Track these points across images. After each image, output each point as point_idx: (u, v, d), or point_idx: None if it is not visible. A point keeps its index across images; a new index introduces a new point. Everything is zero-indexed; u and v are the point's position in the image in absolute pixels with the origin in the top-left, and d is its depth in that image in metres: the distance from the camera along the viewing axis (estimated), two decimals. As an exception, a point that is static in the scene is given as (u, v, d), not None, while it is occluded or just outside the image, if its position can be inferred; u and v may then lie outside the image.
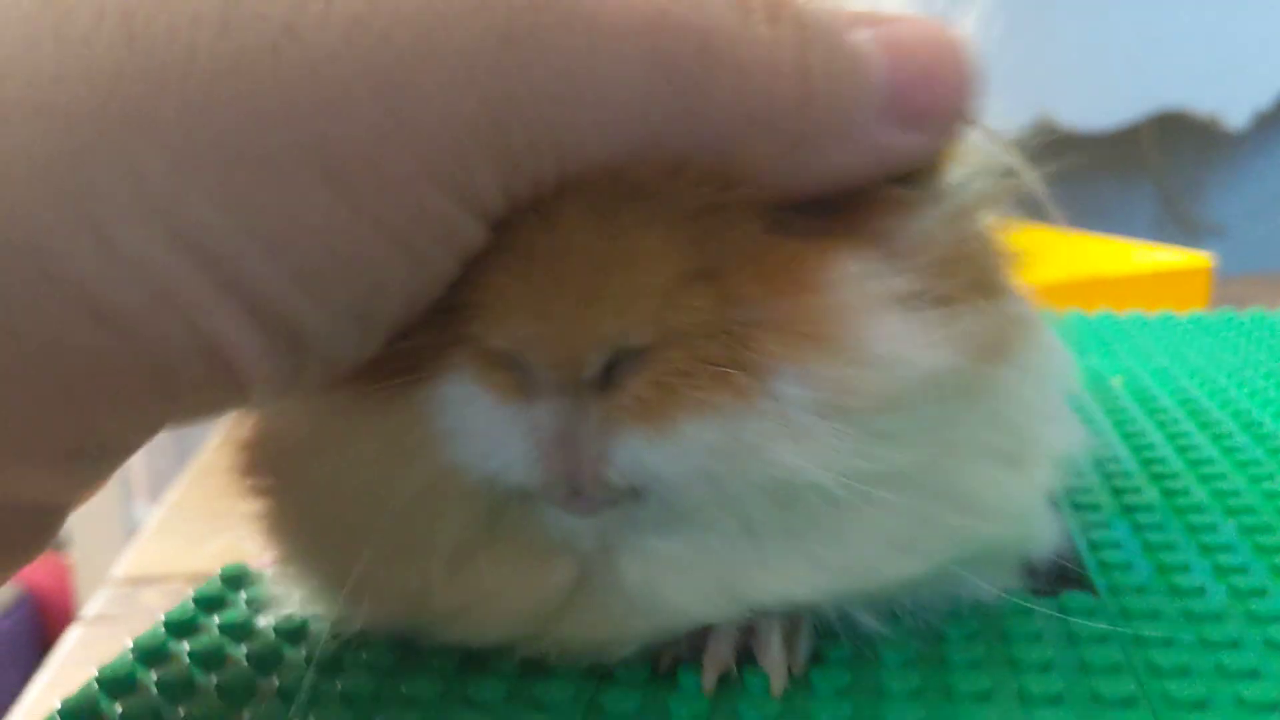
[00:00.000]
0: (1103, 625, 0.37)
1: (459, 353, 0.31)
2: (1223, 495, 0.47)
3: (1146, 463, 0.50)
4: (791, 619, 0.35)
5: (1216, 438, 0.53)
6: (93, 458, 0.28)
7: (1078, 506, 0.46)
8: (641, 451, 0.30)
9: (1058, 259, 1.12)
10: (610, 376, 0.29)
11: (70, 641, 0.71)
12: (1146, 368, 0.64)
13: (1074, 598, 0.39)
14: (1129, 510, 0.46)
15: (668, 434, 0.30)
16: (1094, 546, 0.43)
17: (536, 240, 0.29)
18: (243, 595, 0.41)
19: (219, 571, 0.42)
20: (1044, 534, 0.39)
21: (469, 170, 0.28)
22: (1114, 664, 0.35)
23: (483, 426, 0.30)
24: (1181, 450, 0.52)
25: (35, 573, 1.84)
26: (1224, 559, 0.41)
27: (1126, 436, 0.54)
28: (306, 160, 0.26)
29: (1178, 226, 2.02)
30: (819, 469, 0.30)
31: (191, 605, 0.40)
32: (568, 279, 0.29)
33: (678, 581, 0.32)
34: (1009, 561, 0.39)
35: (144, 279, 0.26)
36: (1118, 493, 0.47)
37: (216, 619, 0.39)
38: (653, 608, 0.33)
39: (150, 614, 0.47)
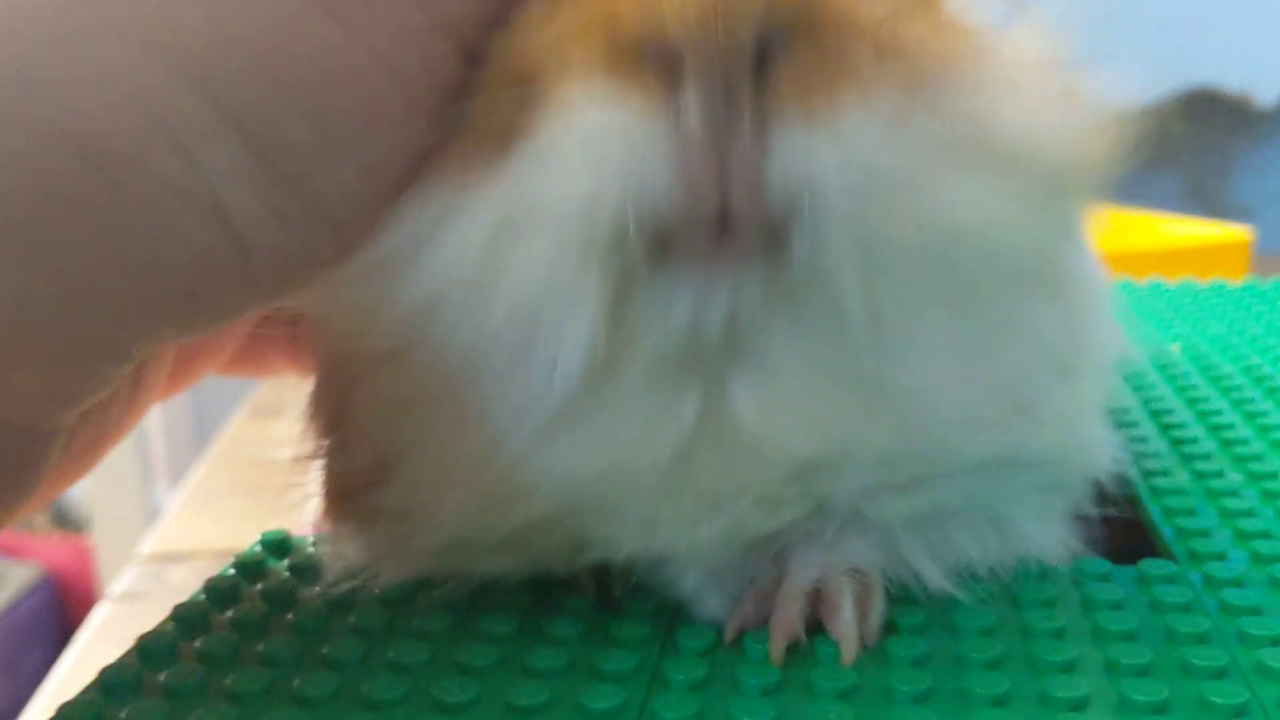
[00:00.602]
0: (1188, 593, 0.35)
1: (576, 54, 0.27)
2: (1296, 462, 0.45)
3: (1214, 429, 0.49)
4: (863, 581, 0.34)
5: (1283, 404, 0.52)
6: (84, 360, 0.26)
7: (1148, 473, 0.44)
8: (804, 142, 0.26)
9: (1090, 233, 1.10)
10: (761, 62, 0.26)
11: (97, 620, 0.70)
12: (1204, 335, 0.62)
13: (1154, 564, 0.37)
14: (1201, 477, 0.44)
15: (833, 119, 0.26)
16: (1169, 514, 0.41)
17: None
18: (285, 563, 0.39)
19: (259, 538, 0.41)
20: (1099, 448, 0.37)
21: None
22: (1203, 633, 0.33)
23: (619, 137, 0.26)
24: (1250, 417, 0.50)
25: (56, 555, 1.84)
26: (1307, 526, 0.39)
27: (1190, 403, 0.52)
28: None
29: (1205, 206, 2.00)
30: (977, 212, 0.28)
31: (232, 572, 0.39)
32: None
33: (792, 415, 0.30)
34: (1072, 483, 0.37)
35: (135, 104, 0.24)
36: (1187, 459, 0.45)
37: (259, 587, 0.38)
38: (764, 447, 0.30)
39: (178, 591, 0.45)
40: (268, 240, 0.26)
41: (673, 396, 0.30)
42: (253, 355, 0.41)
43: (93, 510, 1.76)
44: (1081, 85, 0.31)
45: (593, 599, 0.36)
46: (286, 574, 0.39)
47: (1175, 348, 0.60)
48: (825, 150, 0.26)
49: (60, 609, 1.86)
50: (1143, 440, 0.47)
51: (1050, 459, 0.35)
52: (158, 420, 1.79)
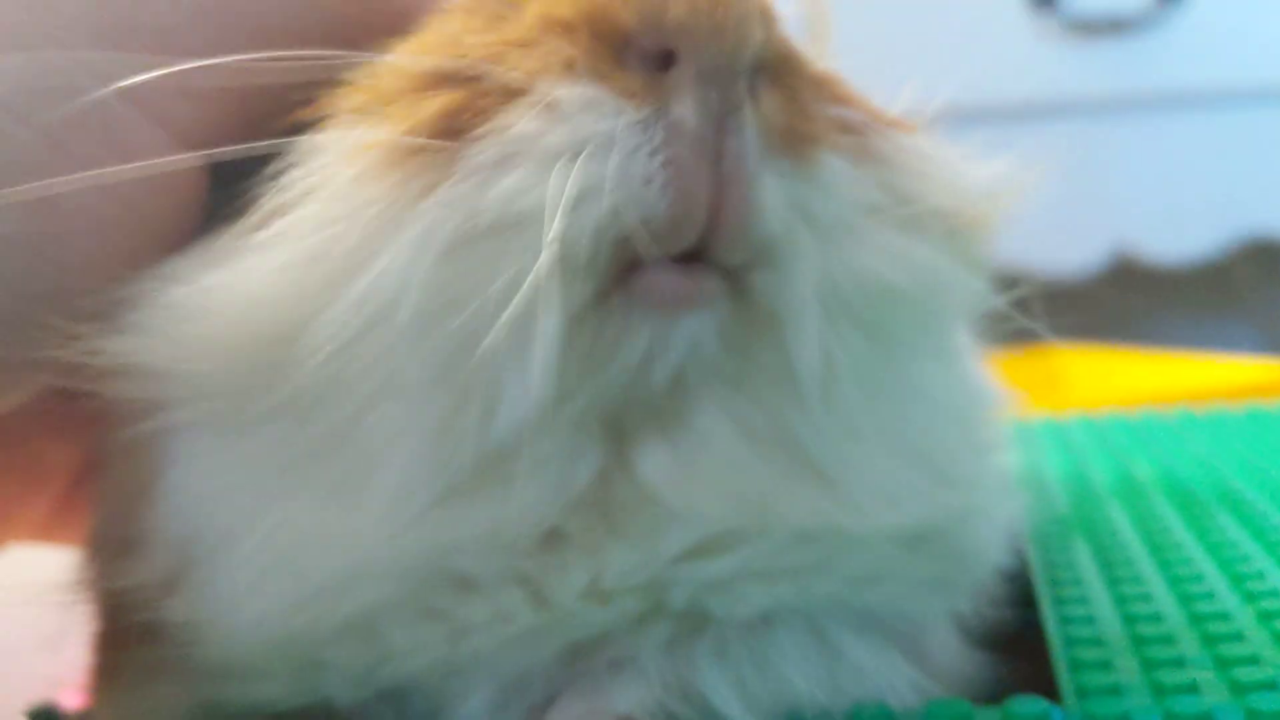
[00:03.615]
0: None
1: (547, 47, 0.25)
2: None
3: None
4: None
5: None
6: None
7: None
8: (792, 176, 0.26)
9: (1128, 381, 1.00)
10: (752, 85, 0.25)
11: None
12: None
13: (1024, 703, 0.28)
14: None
15: (815, 161, 0.26)
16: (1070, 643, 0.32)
17: None
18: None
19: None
20: (998, 521, 0.33)
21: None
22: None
23: (602, 141, 0.24)
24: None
25: None
26: None
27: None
28: None
29: (1278, 352, 1.90)
30: (910, 261, 0.28)
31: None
32: None
33: (710, 481, 0.27)
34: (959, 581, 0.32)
35: None
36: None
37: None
38: (668, 511, 0.27)
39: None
40: None
41: (575, 458, 0.26)
42: (72, 519, 0.35)
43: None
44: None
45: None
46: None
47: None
48: (809, 191, 0.26)
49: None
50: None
51: (954, 532, 0.30)
52: None
